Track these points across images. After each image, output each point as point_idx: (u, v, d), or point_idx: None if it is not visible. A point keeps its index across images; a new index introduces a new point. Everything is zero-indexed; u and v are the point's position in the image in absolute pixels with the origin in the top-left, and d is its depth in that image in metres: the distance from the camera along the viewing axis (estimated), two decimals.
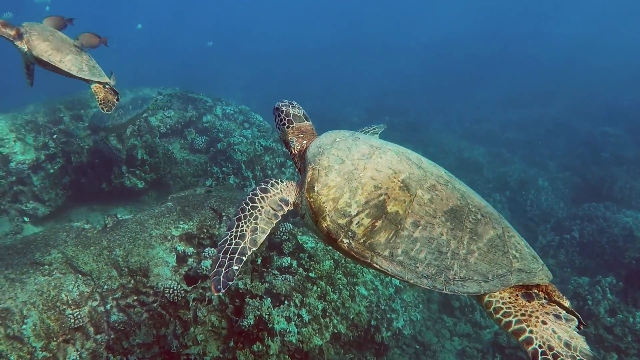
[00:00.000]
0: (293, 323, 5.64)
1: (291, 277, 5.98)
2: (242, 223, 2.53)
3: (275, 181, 2.71)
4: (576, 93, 24.73)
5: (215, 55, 38.52)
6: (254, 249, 2.50)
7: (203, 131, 10.10)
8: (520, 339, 2.12)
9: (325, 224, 2.38)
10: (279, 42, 45.90)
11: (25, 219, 7.98)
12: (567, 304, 2.28)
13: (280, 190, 2.68)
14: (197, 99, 10.73)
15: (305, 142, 2.88)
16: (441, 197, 2.35)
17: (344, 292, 6.24)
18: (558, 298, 2.30)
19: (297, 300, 5.78)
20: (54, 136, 8.54)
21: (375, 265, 2.29)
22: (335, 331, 5.90)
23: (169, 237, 5.89)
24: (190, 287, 5.61)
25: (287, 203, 2.65)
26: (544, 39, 44.11)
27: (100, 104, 5.08)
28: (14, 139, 8.40)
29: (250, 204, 2.60)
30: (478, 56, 39.35)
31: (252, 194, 2.64)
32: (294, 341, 5.51)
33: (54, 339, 4.91)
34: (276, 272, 6.05)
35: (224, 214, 6.25)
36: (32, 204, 8.04)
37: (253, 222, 2.55)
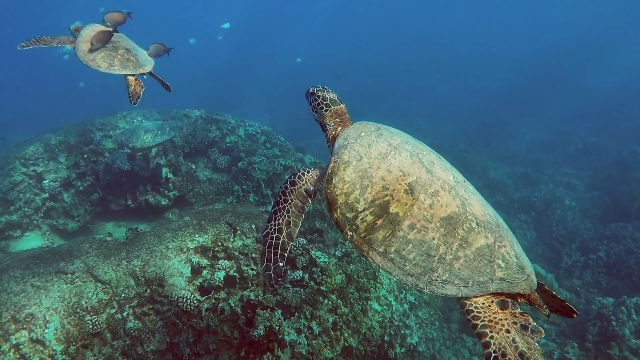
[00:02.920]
0: (303, 335, 5.73)
1: (302, 289, 6.10)
2: (278, 216, 2.86)
3: (302, 173, 2.96)
4: (606, 112, 24.26)
5: (249, 74, 39.29)
6: (292, 243, 2.82)
7: (226, 151, 10.43)
8: (481, 341, 2.27)
9: (336, 215, 2.59)
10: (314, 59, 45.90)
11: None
12: (546, 312, 2.46)
13: (306, 181, 2.93)
14: (221, 120, 11.11)
15: (339, 128, 3.07)
16: (441, 203, 2.47)
17: (355, 306, 6.30)
18: (539, 307, 2.46)
19: (307, 313, 5.88)
20: (85, 155, 9.00)
21: (369, 259, 2.49)
22: (347, 344, 5.94)
23: (185, 249, 6.13)
24: (204, 298, 5.80)
25: (310, 194, 2.92)
26: (573, 59, 43.25)
27: (129, 96, 5.11)
28: (48, 158, 8.92)
29: (283, 197, 2.90)
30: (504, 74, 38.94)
31: (283, 187, 2.93)
32: (304, 353, 5.60)
33: (74, 344, 5.17)
34: (288, 285, 6.19)
35: (238, 228, 6.46)
36: (62, 220, 8.46)
37: (286, 215, 2.86)
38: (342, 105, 3.17)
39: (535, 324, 2.31)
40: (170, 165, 9.20)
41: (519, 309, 2.39)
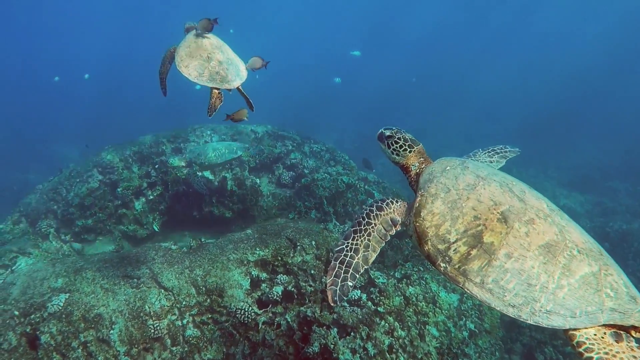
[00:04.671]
0: (358, 355, 5.63)
1: (359, 309, 6.02)
2: (357, 236, 2.84)
3: (390, 200, 2.96)
4: None
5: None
6: (366, 267, 2.77)
7: (290, 167, 10.58)
8: None
9: (427, 247, 2.58)
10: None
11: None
12: None
13: (393, 210, 2.93)
14: (286, 137, 11.31)
15: (423, 166, 3.07)
16: (538, 231, 2.40)
17: (412, 330, 6.14)
18: None
19: (363, 333, 5.79)
20: (156, 166, 9.45)
21: (466, 290, 2.44)
22: None
23: (245, 262, 6.24)
24: (261, 311, 5.86)
25: (396, 223, 2.90)
26: None
27: (208, 107, 5.05)
28: (123, 167, 9.44)
29: (366, 219, 2.88)
30: (577, 96, 37.07)
31: (369, 210, 2.92)
32: None
33: (136, 346, 5.37)
34: (345, 304, 6.14)
35: (298, 244, 6.50)
36: (132, 227, 8.88)
37: (366, 238, 2.83)
38: (421, 144, 3.16)
39: None
40: (236, 179, 9.45)
41: (634, 343, 2.22)
